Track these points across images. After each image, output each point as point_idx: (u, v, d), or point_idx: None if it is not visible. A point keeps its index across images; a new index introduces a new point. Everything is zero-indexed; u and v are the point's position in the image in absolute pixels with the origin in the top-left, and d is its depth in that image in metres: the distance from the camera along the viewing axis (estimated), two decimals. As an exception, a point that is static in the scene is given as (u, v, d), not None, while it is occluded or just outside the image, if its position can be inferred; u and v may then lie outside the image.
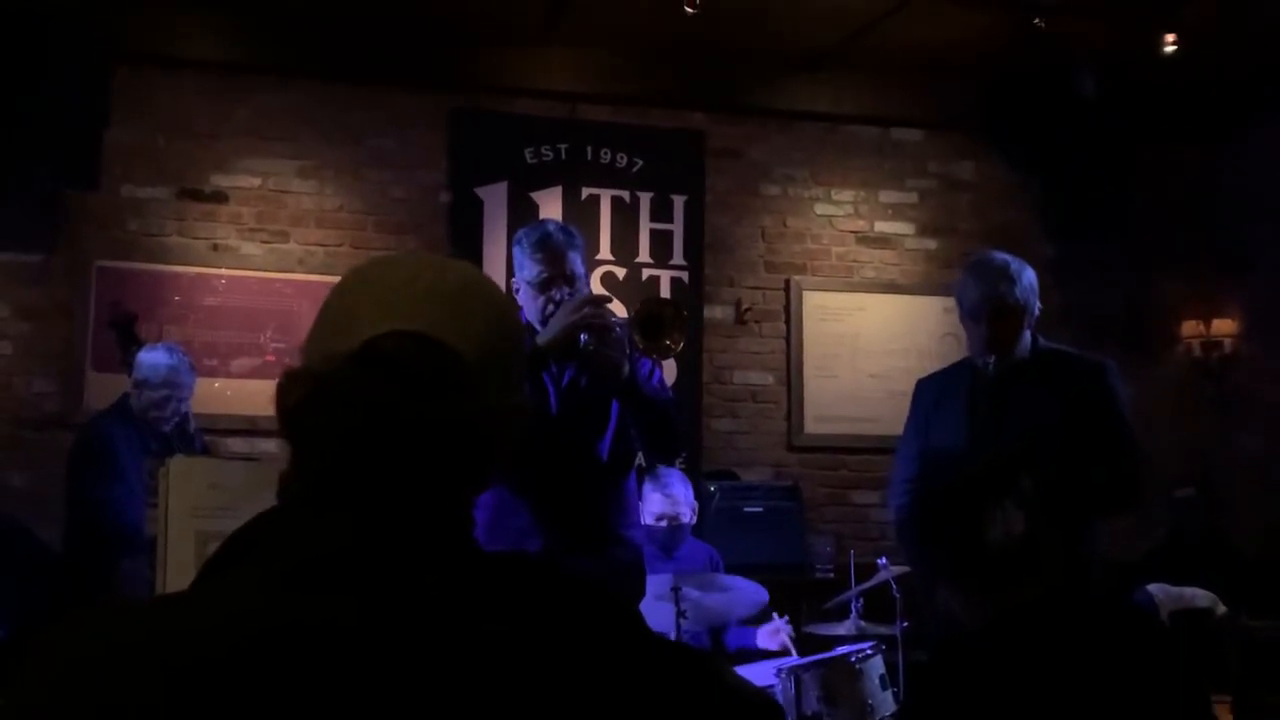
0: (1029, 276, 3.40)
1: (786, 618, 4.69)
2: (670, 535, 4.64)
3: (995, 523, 2.03)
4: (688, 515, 4.71)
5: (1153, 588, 5.22)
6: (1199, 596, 5.19)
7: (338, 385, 1.03)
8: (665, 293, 6.15)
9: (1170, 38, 5.54)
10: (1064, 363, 3.47)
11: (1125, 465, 3.34)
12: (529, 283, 3.23)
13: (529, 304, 3.25)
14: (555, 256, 3.21)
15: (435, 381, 1.02)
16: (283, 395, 1.05)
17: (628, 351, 3.06)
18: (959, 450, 3.37)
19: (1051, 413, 3.31)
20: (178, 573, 1.92)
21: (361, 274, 1.11)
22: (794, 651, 4.59)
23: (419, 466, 1.02)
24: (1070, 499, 3.16)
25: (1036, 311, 3.41)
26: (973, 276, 3.42)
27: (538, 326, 3.21)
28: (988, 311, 3.34)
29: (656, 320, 3.07)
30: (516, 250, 3.29)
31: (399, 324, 1.03)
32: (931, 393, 3.61)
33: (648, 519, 4.56)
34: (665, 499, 4.61)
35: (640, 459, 3.53)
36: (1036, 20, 5.45)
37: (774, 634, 4.68)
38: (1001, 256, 3.46)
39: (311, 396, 1.04)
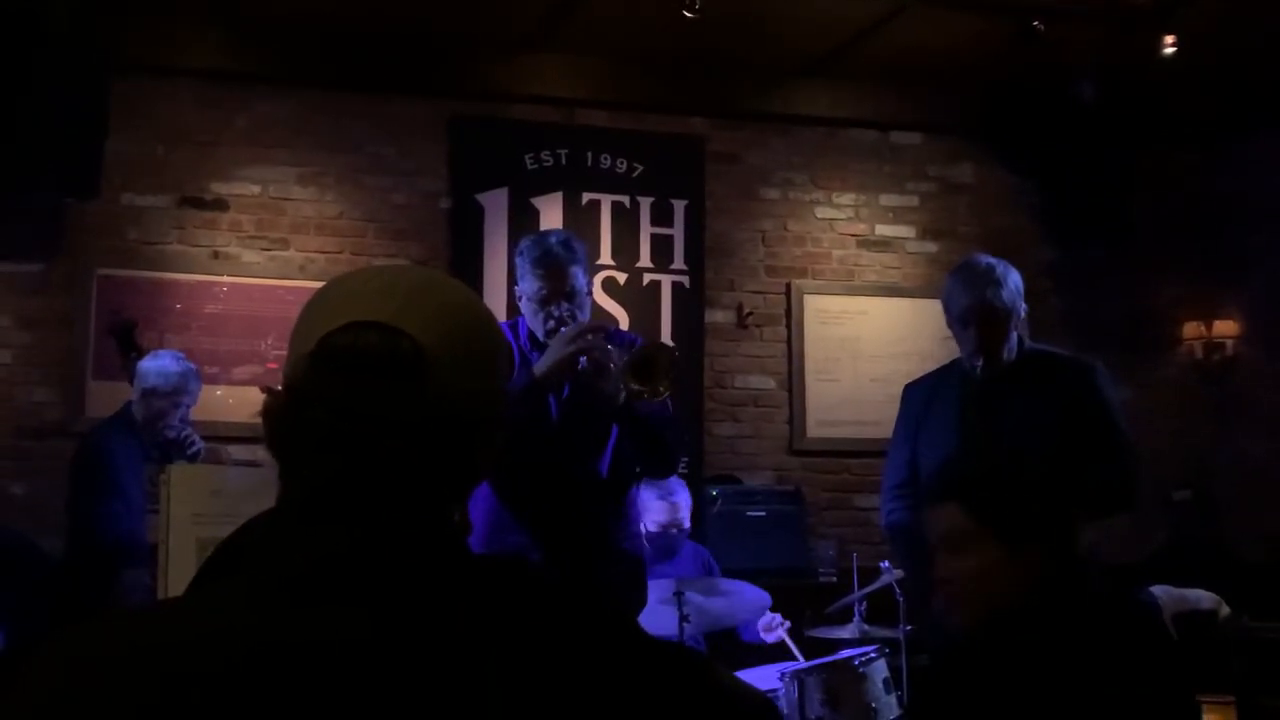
0: (1014, 279, 3.41)
1: (780, 615, 4.69)
2: (674, 540, 4.68)
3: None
4: (687, 521, 4.78)
5: (1156, 589, 5.21)
6: (1203, 598, 5.19)
7: (301, 386, 1.03)
8: (666, 297, 6.17)
9: (1169, 39, 5.54)
10: (1053, 364, 3.48)
11: (1120, 466, 3.34)
12: (529, 297, 3.23)
13: (531, 317, 3.26)
14: (555, 272, 3.20)
15: (393, 367, 1.02)
16: (264, 414, 1.05)
17: (620, 387, 3.06)
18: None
19: (1044, 415, 3.31)
20: (179, 580, 1.92)
21: (324, 287, 1.11)
22: (793, 646, 4.61)
23: (394, 460, 1.01)
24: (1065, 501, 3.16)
25: (1023, 313, 3.42)
26: (959, 281, 3.43)
27: (540, 337, 3.21)
28: (977, 316, 3.35)
29: (650, 364, 3.08)
30: (519, 261, 3.29)
31: (353, 317, 1.04)
32: (921, 397, 3.61)
33: (651, 526, 4.58)
34: (669, 506, 4.65)
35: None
36: (1036, 23, 5.46)
37: (769, 628, 4.70)
38: (987, 260, 3.47)
39: (283, 404, 1.04)
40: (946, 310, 3.46)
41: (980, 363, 3.37)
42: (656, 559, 4.58)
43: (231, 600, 0.96)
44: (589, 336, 3.08)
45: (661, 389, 3.08)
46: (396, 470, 1.01)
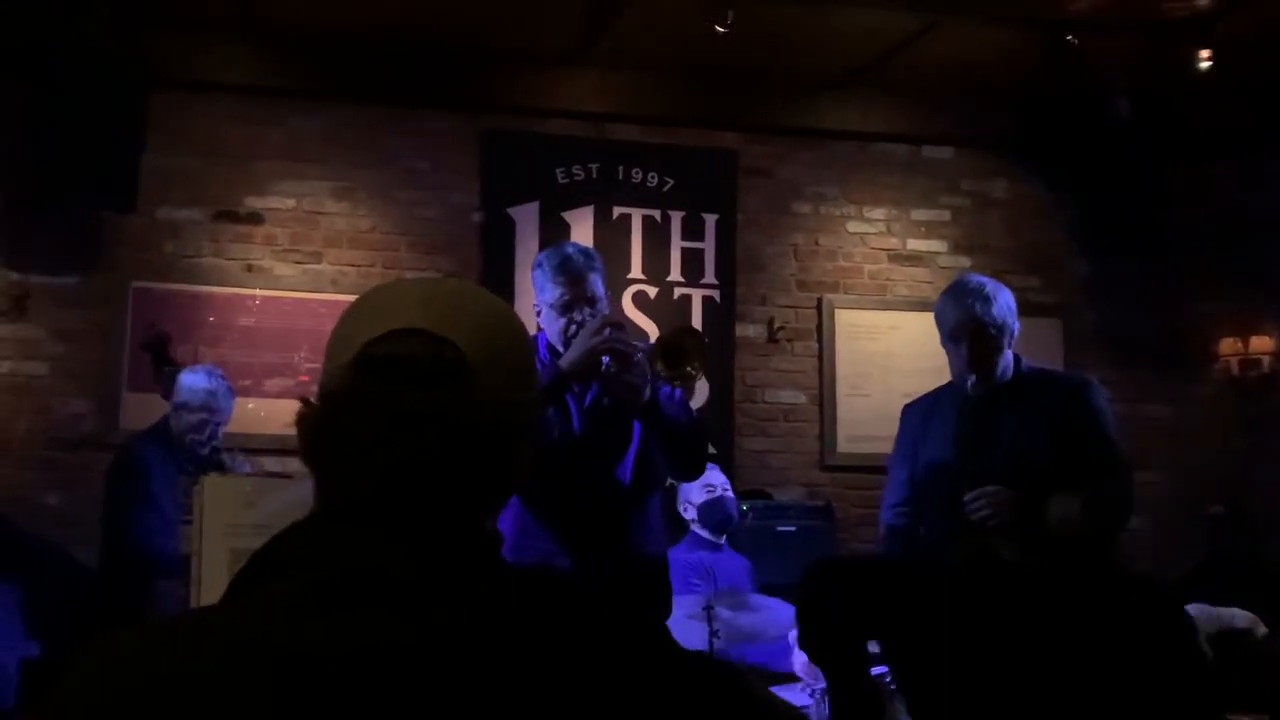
0: (1005, 297, 3.43)
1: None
2: (727, 504, 4.86)
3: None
4: (729, 486, 4.96)
5: (1191, 608, 5.15)
6: (1238, 617, 5.12)
7: (342, 393, 1.03)
8: (697, 311, 6.16)
9: (1205, 54, 5.51)
10: (1047, 383, 3.50)
11: (1113, 482, 3.35)
12: (550, 305, 3.25)
13: (551, 326, 3.28)
14: (576, 279, 3.22)
15: (435, 373, 1.02)
16: (300, 424, 1.06)
17: (648, 376, 3.07)
18: (946, 472, 3.40)
19: (1037, 434, 3.32)
20: (212, 591, 1.93)
21: (361, 298, 1.12)
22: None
23: (436, 467, 1.01)
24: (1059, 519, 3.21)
25: (1016, 332, 3.44)
26: (949, 300, 3.46)
27: (560, 348, 3.22)
28: (967, 332, 3.37)
29: (678, 348, 3.09)
30: (537, 273, 3.32)
31: (394, 325, 1.04)
32: (918, 417, 3.63)
33: (697, 498, 4.82)
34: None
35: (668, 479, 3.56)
36: (1069, 36, 5.43)
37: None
38: (977, 278, 3.51)
39: (321, 413, 1.05)
40: (939, 329, 3.49)
41: (972, 380, 3.39)
42: (716, 532, 4.84)
43: (267, 608, 0.96)
44: (611, 331, 3.09)
45: (691, 370, 3.09)
46: (437, 476, 1.02)
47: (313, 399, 1.06)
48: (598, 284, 3.27)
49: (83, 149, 5.12)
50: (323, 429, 1.04)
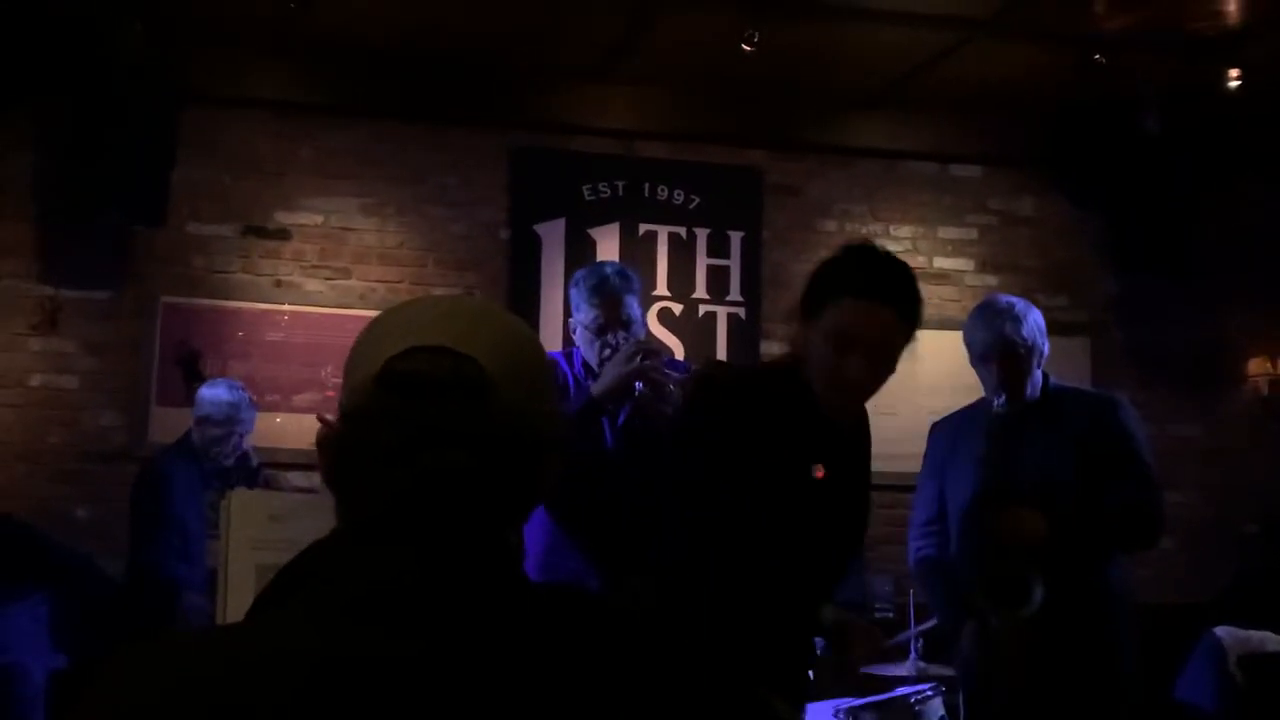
0: (1035, 317, 3.43)
1: None
2: None
3: None
4: None
5: (1220, 631, 5.12)
6: (1268, 640, 5.08)
7: (364, 409, 1.04)
8: (722, 329, 6.16)
9: (1234, 73, 5.49)
10: (1076, 401, 3.49)
11: (1143, 499, 3.33)
12: (585, 326, 3.25)
13: (586, 346, 3.28)
14: (612, 301, 3.23)
15: (456, 388, 1.03)
16: (321, 443, 1.07)
17: (678, 403, 3.07)
18: (974, 492, 3.39)
19: (1064, 453, 3.31)
20: (238, 605, 1.94)
21: (380, 316, 1.13)
22: None
23: (457, 481, 1.02)
24: (1087, 535, 3.22)
25: (1046, 351, 3.43)
26: (979, 320, 3.46)
27: (595, 367, 3.23)
28: (997, 352, 3.37)
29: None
30: (574, 292, 3.32)
31: (416, 341, 1.05)
32: (947, 435, 3.64)
33: None
34: None
35: None
36: (1097, 56, 5.42)
37: None
38: (1007, 299, 3.52)
39: (343, 429, 1.06)
40: (969, 350, 3.49)
41: (1003, 399, 3.38)
42: None
43: (292, 622, 0.97)
44: (644, 360, 3.10)
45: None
46: (461, 489, 1.02)
47: (333, 417, 1.07)
48: (633, 306, 3.27)
49: (114, 163, 5.17)
50: (345, 445, 1.05)
